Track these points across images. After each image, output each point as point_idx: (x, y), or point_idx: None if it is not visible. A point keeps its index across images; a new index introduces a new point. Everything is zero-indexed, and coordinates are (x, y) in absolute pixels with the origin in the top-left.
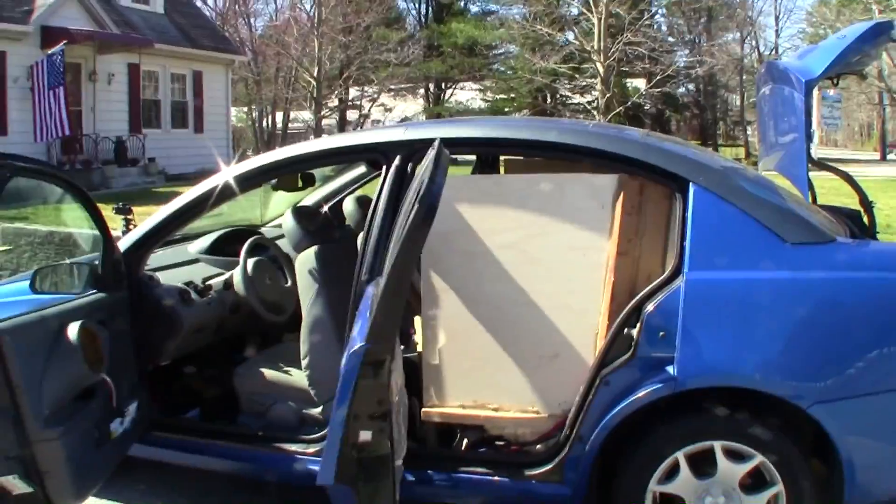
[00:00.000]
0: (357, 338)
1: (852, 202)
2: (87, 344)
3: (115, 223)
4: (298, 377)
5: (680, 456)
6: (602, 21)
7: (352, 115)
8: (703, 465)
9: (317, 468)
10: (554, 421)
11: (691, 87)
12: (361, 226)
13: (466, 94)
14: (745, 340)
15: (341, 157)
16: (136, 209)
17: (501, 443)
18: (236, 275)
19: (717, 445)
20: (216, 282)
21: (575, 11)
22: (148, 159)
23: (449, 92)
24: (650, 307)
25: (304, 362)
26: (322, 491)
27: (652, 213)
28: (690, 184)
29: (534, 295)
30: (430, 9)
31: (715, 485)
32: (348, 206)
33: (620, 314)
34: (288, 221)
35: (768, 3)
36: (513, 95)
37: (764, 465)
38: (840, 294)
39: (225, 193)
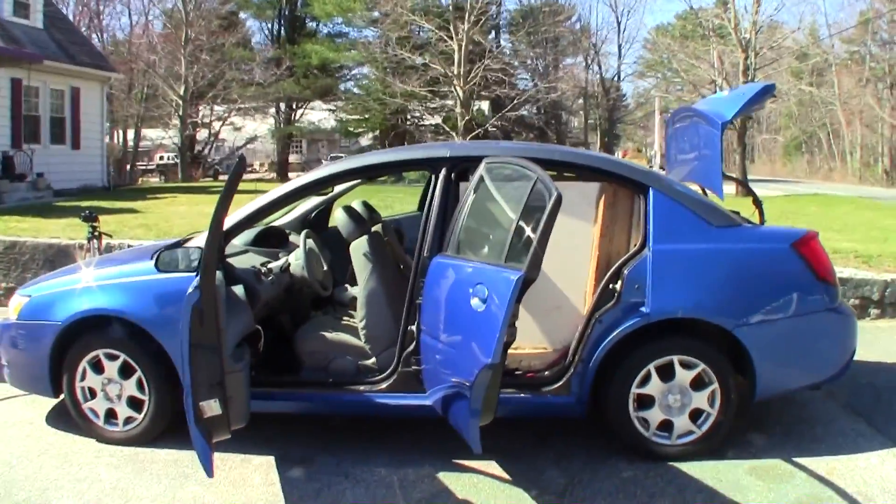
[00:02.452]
0: (513, 271)
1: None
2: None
3: (81, 230)
4: (352, 336)
5: (651, 367)
6: (463, 48)
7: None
8: (666, 374)
9: (387, 401)
10: (557, 354)
11: (532, 109)
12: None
13: (318, 114)
14: (691, 288)
15: (402, 167)
16: (43, 222)
17: (519, 372)
18: (296, 260)
19: (675, 359)
20: (274, 266)
21: (434, 38)
22: (36, 174)
23: (300, 112)
24: (626, 270)
25: (361, 324)
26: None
27: (621, 208)
28: (650, 188)
29: (544, 265)
30: (282, 29)
31: (674, 386)
32: (358, 207)
33: (606, 275)
34: (341, 217)
35: (611, 31)
36: (367, 116)
37: (705, 371)
38: (744, 257)
39: (301, 193)
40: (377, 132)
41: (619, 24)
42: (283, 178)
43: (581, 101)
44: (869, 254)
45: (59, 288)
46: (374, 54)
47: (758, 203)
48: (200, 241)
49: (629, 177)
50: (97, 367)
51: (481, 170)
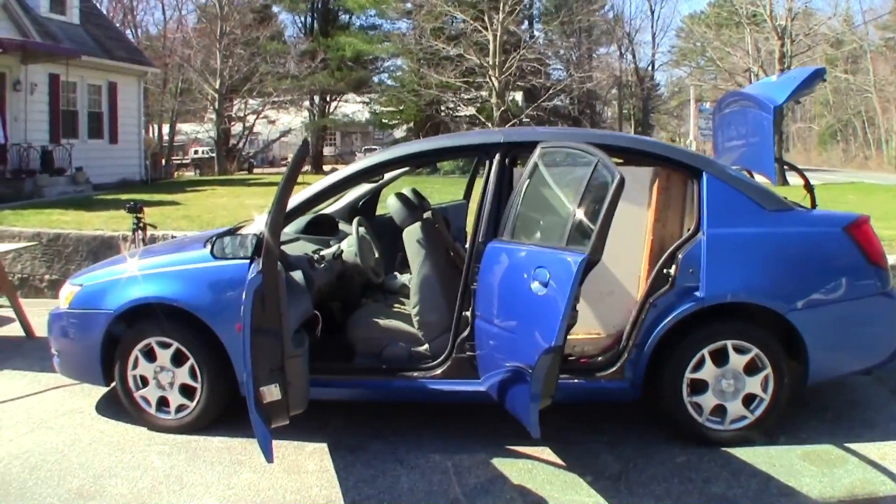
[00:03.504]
0: (575, 254)
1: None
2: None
3: (124, 222)
4: (405, 323)
5: (705, 352)
6: (497, 38)
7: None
8: (719, 358)
9: (441, 387)
10: (611, 339)
11: (566, 99)
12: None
13: (352, 106)
14: (744, 272)
15: (456, 153)
16: (85, 214)
17: (572, 357)
18: (349, 247)
19: (729, 343)
20: (326, 253)
21: (469, 28)
22: (75, 169)
23: (333, 104)
24: (681, 254)
25: (414, 310)
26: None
27: (675, 192)
28: (703, 172)
29: None
30: (315, 22)
31: (728, 371)
32: (409, 194)
33: (660, 260)
34: (394, 204)
35: (645, 20)
36: (401, 108)
37: (758, 355)
38: (797, 241)
39: (356, 180)
40: (411, 124)
41: (652, 12)
42: (317, 170)
43: (615, 90)
44: None
45: (110, 277)
46: (408, 46)
47: (809, 187)
48: (254, 228)
49: (683, 161)
50: (149, 356)
51: (536, 155)
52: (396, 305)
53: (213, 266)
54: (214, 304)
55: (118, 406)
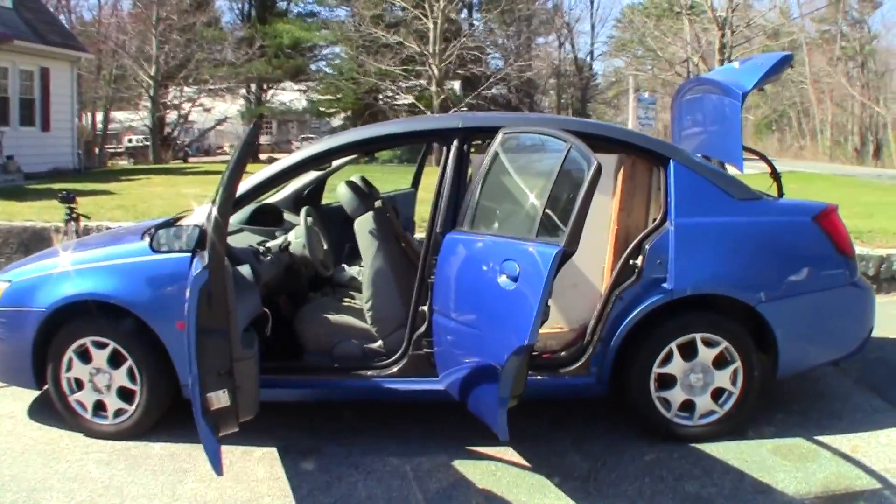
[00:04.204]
0: (549, 245)
1: None
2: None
3: (57, 213)
4: (357, 319)
5: (673, 346)
6: (438, 26)
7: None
8: (687, 352)
9: (396, 386)
10: (574, 333)
11: (503, 88)
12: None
13: (289, 94)
14: (714, 262)
15: (411, 139)
16: (16, 205)
17: (535, 353)
18: (296, 238)
19: (698, 336)
20: (272, 245)
21: (409, 16)
22: (6, 157)
23: (270, 92)
24: (648, 245)
25: (367, 305)
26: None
27: (640, 181)
28: (671, 160)
29: None
30: (252, 9)
31: (696, 365)
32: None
33: (624, 251)
34: (345, 193)
35: (584, 10)
36: (339, 96)
37: (727, 348)
38: (767, 231)
39: (304, 167)
40: (349, 112)
41: (592, 2)
42: (254, 159)
43: (553, 80)
44: (859, 230)
45: (41, 272)
46: (347, 33)
47: (776, 176)
48: (195, 219)
49: (649, 148)
50: (84, 356)
51: (498, 141)
52: (346, 299)
53: (152, 260)
54: (154, 301)
55: (52, 410)
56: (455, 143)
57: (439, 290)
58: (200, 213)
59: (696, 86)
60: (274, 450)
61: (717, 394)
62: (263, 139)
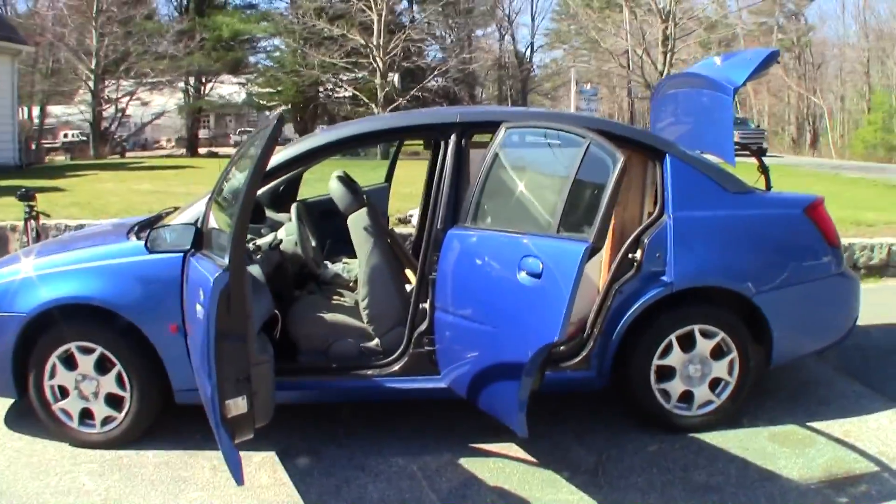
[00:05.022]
0: (577, 242)
1: None
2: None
3: (10, 210)
4: (351, 317)
5: (672, 338)
6: (382, 18)
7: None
8: (686, 344)
9: (398, 385)
10: (574, 327)
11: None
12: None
13: (228, 87)
14: (712, 255)
15: (408, 133)
16: None
17: None
18: (288, 235)
19: (696, 328)
20: (262, 242)
21: (354, 8)
22: None
23: (209, 86)
24: (647, 238)
25: (363, 303)
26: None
27: (635, 174)
28: (666, 154)
29: None
30: (190, 1)
31: (695, 356)
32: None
33: (621, 246)
34: (338, 188)
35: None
36: (279, 89)
37: (724, 339)
38: (761, 223)
39: (293, 165)
40: (289, 105)
41: None
42: (192, 153)
43: (492, 72)
44: None
45: (19, 275)
46: (289, 25)
47: (764, 169)
48: (186, 217)
49: (644, 142)
50: (69, 363)
51: (501, 136)
52: (335, 297)
53: (143, 260)
54: (145, 303)
55: (32, 419)
56: (453, 137)
57: (442, 287)
58: (192, 212)
59: (679, 80)
60: (273, 454)
61: (714, 384)
62: (201, 133)
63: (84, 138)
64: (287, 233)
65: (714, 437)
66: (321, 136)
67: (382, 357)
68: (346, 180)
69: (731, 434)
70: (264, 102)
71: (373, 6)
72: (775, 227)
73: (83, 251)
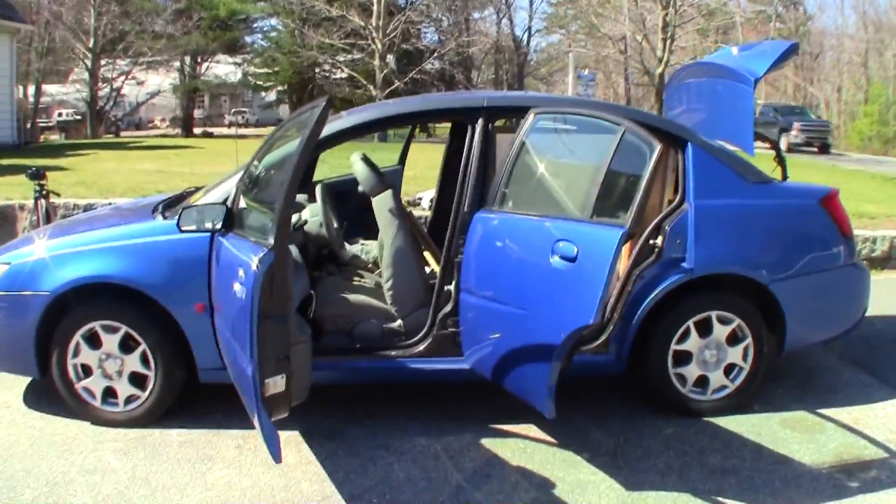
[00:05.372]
0: (614, 227)
1: None
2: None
3: (17, 188)
4: (374, 298)
5: (690, 323)
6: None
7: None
8: (703, 330)
9: (422, 366)
10: None
11: (437, 63)
12: (382, 180)
13: (224, 67)
14: (731, 243)
15: (435, 116)
16: None
17: None
18: (313, 217)
19: (713, 314)
20: None
21: None
22: None
23: (205, 66)
24: (668, 225)
25: (387, 284)
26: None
27: None
28: (688, 142)
29: None
30: None
31: (711, 342)
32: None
33: (643, 232)
34: (363, 170)
35: None
36: (276, 69)
37: (740, 326)
38: (779, 213)
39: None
40: (285, 86)
41: None
42: (187, 133)
43: (489, 55)
44: None
45: (44, 254)
46: (288, 6)
47: (781, 159)
48: (214, 196)
49: (667, 130)
50: (93, 342)
51: (530, 121)
52: (355, 279)
53: (172, 240)
54: (172, 283)
55: (50, 398)
56: (480, 122)
57: (468, 269)
58: (218, 192)
59: (698, 69)
60: (297, 433)
61: (729, 369)
62: (196, 113)
63: (79, 118)
64: (311, 214)
65: (727, 422)
66: (348, 118)
67: (405, 338)
68: (371, 162)
69: (743, 419)
70: (261, 83)
71: None
72: (792, 217)
73: (110, 230)
